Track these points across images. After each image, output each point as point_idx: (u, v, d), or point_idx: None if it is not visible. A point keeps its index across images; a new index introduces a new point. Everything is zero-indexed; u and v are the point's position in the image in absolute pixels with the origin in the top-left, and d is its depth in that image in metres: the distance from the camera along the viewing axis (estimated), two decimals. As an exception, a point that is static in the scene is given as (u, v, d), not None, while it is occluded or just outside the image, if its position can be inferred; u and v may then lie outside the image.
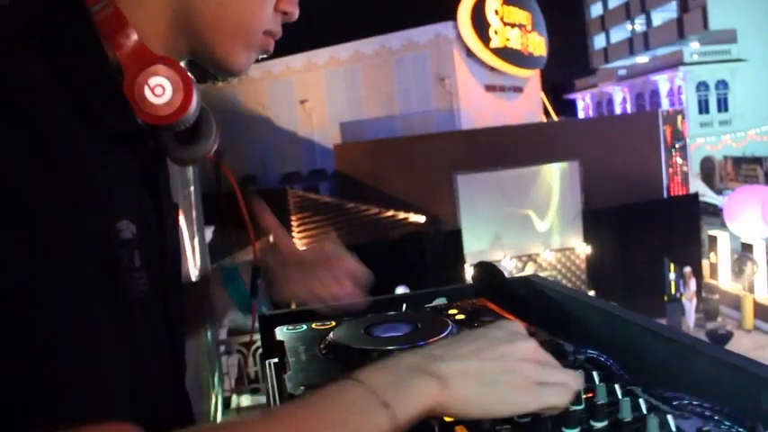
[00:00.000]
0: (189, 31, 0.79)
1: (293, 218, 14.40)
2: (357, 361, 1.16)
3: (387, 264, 11.97)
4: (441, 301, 1.27)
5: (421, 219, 15.12)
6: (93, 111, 0.69)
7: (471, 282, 1.29)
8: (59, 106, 0.65)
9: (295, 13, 0.85)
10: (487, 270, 1.28)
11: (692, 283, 14.73)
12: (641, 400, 0.80)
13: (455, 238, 13.92)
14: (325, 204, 16.36)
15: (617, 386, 0.85)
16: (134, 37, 0.74)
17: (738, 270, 15.89)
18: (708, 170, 28.16)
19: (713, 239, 17.36)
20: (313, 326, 1.45)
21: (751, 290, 15.48)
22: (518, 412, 0.68)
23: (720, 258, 17.26)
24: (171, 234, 0.88)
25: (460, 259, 13.82)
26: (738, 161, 25.18)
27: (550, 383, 0.69)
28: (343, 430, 0.61)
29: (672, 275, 14.64)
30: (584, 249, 14.92)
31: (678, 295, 14.64)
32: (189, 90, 0.75)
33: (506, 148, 15.04)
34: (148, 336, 0.76)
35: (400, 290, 8.86)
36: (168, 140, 0.86)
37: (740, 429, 0.78)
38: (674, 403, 0.82)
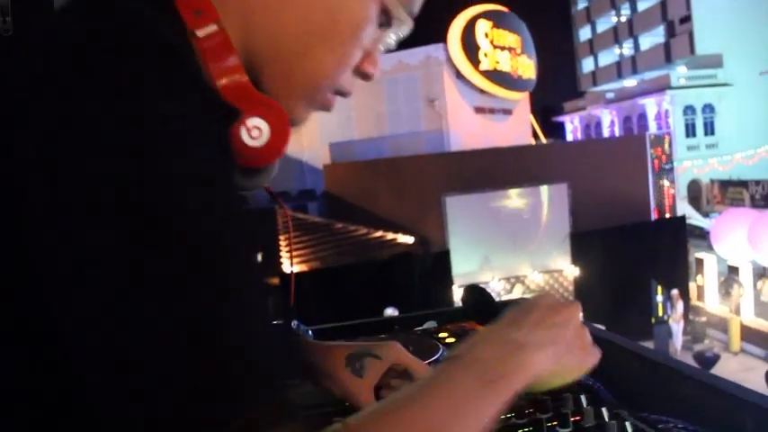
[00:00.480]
0: (258, 73, 0.71)
1: (282, 238, 14.37)
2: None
3: (375, 284, 11.97)
4: (431, 323, 1.29)
5: (410, 240, 15.13)
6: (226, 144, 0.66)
7: (461, 304, 1.31)
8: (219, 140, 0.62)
9: (377, 73, 0.78)
10: (477, 293, 1.29)
11: (680, 306, 14.79)
12: (627, 423, 0.81)
13: (443, 259, 13.93)
14: (314, 224, 16.34)
15: (604, 409, 0.86)
16: (240, 72, 0.67)
17: (725, 292, 15.97)
18: (695, 193, 28.32)
19: (700, 262, 17.45)
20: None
21: (738, 312, 15.55)
22: (586, 372, 0.76)
23: (707, 281, 17.34)
24: None
25: (449, 280, 13.83)
26: (725, 184, 25.35)
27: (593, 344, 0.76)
28: (464, 414, 0.63)
29: (659, 298, 14.69)
30: (572, 271, 14.96)
31: (665, 317, 14.69)
32: (286, 137, 0.70)
33: (495, 170, 15.11)
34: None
35: (389, 311, 8.84)
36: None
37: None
38: (660, 426, 0.83)
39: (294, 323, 1.13)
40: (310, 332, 1.17)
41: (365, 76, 0.77)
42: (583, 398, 0.92)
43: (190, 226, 0.54)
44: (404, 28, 0.76)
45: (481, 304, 1.26)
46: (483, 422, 0.64)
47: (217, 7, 0.66)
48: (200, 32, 0.65)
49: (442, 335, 1.21)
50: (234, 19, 0.68)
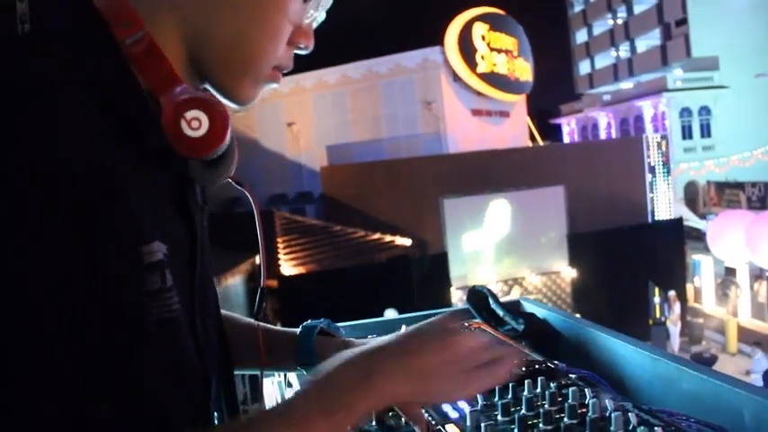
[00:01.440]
0: (200, 62, 0.79)
1: (279, 240, 14.38)
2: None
3: (373, 287, 11.98)
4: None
5: (407, 242, 15.15)
6: (136, 129, 0.71)
7: (466, 304, 1.33)
8: (100, 130, 0.66)
9: (311, 45, 0.85)
10: (481, 293, 1.31)
11: (677, 307, 14.82)
12: (631, 415, 0.84)
13: (441, 261, 13.95)
14: (311, 227, 16.36)
15: (608, 402, 0.89)
16: (168, 69, 0.74)
17: (722, 294, 16.02)
18: (691, 195, 28.40)
19: (697, 263, 17.49)
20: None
21: (735, 314, 15.59)
22: (454, 399, 0.84)
23: (704, 283, 17.39)
24: (202, 253, 0.86)
25: (446, 282, 13.85)
26: (721, 186, 25.40)
27: (481, 369, 0.77)
28: None
29: (656, 299, 14.73)
30: (569, 273, 14.99)
31: (663, 319, 14.72)
32: (225, 124, 0.75)
33: (492, 173, 15.13)
34: (180, 354, 0.76)
35: (389, 313, 8.85)
36: (193, 162, 0.84)
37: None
38: (663, 417, 0.86)
39: (324, 322, 1.15)
40: (342, 330, 1.20)
41: (301, 49, 0.84)
42: (587, 391, 0.95)
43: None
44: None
45: (485, 304, 1.29)
46: None
47: (148, 14, 0.74)
48: (129, 41, 0.72)
49: None
50: (168, 20, 0.76)
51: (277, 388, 1.42)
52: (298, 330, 1.16)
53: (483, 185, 14.61)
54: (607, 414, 0.86)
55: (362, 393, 0.72)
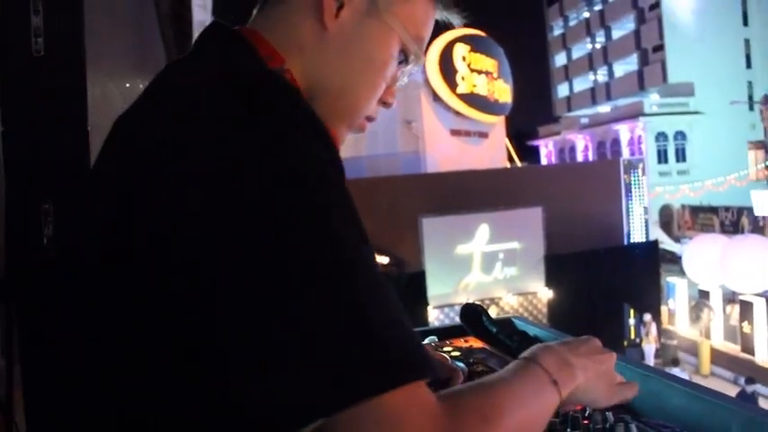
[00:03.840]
0: (313, 106, 0.83)
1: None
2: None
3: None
4: (432, 338, 1.34)
5: (385, 260, 15.15)
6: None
7: (460, 321, 1.37)
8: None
9: (394, 102, 0.97)
10: (475, 311, 1.35)
11: (653, 329, 14.96)
12: (633, 426, 0.88)
13: (419, 280, 13.95)
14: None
15: (609, 414, 0.93)
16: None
17: (696, 317, 16.19)
18: (666, 218, 28.72)
19: (672, 286, 17.66)
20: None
21: (708, 336, 15.76)
22: (608, 404, 0.92)
23: (678, 305, 17.57)
24: None
25: (424, 301, 13.85)
26: (696, 210, 25.76)
27: (624, 384, 0.93)
28: (527, 402, 0.79)
29: (631, 321, 14.86)
30: (546, 293, 15.06)
31: (638, 340, 14.84)
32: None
33: (471, 193, 15.20)
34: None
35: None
36: None
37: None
38: (661, 429, 0.90)
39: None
40: None
41: (386, 105, 0.97)
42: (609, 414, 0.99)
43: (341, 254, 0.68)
44: (417, 65, 0.94)
45: (479, 321, 1.32)
46: (540, 415, 0.80)
47: (284, 52, 0.84)
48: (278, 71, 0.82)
49: (446, 349, 1.27)
50: (296, 62, 0.86)
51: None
52: None
53: (462, 205, 14.66)
54: (608, 426, 0.90)
55: (567, 377, 0.84)
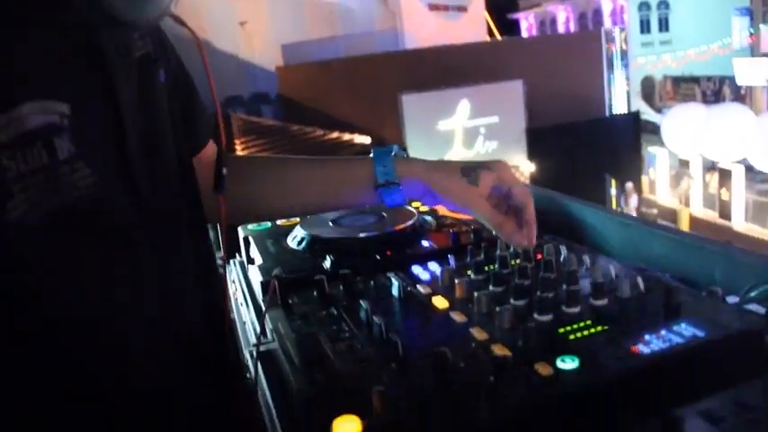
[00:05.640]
0: None
1: (237, 141, 14.16)
2: (326, 249, 1.18)
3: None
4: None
5: (366, 140, 15.05)
6: None
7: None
8: None
9: None
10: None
11: (634, 199, 15.13)
12: (611, 267, 0.85)
13: (401, 158, 13.91)
14: (269, 128, 16.12)
15: (584, 256, 0.90)
16: None
17: (676, 185, 16.39)
18: (648, 89, 28.55)
19: (653, 156, 17.78)
20: (278, 223, 1.45)
21: (687, 204, 16.00)
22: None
23: (659, 175, 17.74)
24: (133, 111, 0.77)
25: (406, 180, 13.88)
26: (677, 80, 25.58)
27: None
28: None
29: (613, 191, 14.99)
30: (528, 167, 15.12)
31: (619, 209, 15.02)
32: None
33: (451, 68, 14.98)
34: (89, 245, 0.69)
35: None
36: None
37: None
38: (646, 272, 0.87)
39: (396, 148, 1.20)
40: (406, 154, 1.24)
41: None
42: (562, 248, 0.96)
43: None
44: None
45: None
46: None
47: None
48: None
49: (414, 204, 1.28)
50: None
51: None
52: (370, 155, 1.18)
53: (442, 81, 14.48)
54: (583, 269, 0.87)
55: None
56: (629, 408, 0.66)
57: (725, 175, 15.65)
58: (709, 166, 16.57)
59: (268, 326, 0.97)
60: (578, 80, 16.08)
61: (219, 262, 1.21)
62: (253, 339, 0.99)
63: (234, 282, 1.45)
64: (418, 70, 14.98)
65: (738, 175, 15.28)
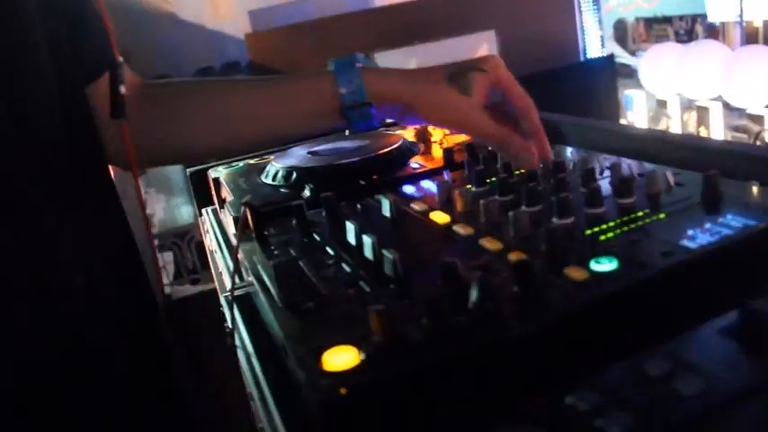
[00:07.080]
0: None
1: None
2: (304, 180, 1.04)
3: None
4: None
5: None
6: None
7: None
8: None
9: None
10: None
11: (613, 142, 15.19)
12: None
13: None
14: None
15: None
16: None
17: (655, 126, 16.45)
18: (621, 32, 28.53)
19: (629, 98, 17.80)
20: (250, 162, 1.32)
21: (666, 144, 16.10)
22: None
23: (637, 116, 17.77)
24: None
25: (383, 138, 13.85)
26: (650, 22, 25.51)
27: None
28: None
29: (593, 135, 15.01)
30: (505, 118, 15.10)
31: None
32: None
33: (422, 23, 14.75)
34: None
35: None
36: None
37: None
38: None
39: (360, 56, 0.99)
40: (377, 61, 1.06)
41: None
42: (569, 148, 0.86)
43: None
44: None
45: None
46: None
47: None
48: None
49: (399, 131, 1.19)
50: None
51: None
52: (328, 68, 0.97)
53: (414, 37, 14.29)
54: (598, 170, 0.78)
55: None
56: (680, 306, 0.55)
57: (703, 113, 15.68)
58: (687, 106, 16.58)
59: (243, 265, 0.84)
60: (551, 26, 15.90)
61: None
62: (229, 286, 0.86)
63: (208, 231, 1.34)
64: (390, 27, 14.73)
65: (716, 112, 15.31)
